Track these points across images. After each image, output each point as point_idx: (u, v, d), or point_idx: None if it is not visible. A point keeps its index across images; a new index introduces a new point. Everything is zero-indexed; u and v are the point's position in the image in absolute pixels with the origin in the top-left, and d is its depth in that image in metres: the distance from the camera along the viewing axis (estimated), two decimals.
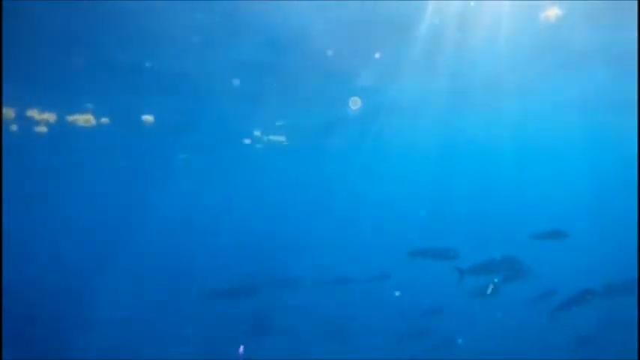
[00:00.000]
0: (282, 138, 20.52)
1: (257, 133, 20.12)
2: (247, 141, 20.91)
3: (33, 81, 13.80)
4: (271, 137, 20.38)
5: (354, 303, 19.14)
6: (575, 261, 20.45)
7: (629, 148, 27.58)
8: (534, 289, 14.14)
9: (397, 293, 19.69)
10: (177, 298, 21.02)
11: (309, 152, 25.58)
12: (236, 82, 14.24)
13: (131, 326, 18.09)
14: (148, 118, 16.64)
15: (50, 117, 16.50)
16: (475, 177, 37.58)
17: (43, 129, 17.30)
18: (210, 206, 40.78)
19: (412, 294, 19.52)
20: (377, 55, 13.16)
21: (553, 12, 11.39)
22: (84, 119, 16.74)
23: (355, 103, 17.44)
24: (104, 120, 17.02)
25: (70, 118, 16.56)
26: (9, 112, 15.66)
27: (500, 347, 16.20)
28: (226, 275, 20.03)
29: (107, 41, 11.49)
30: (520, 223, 26.68)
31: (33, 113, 16.19)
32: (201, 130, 19.61)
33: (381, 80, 15.10)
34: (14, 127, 17.04)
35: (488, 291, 15.63)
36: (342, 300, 19.01)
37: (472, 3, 10.77)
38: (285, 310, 17.54)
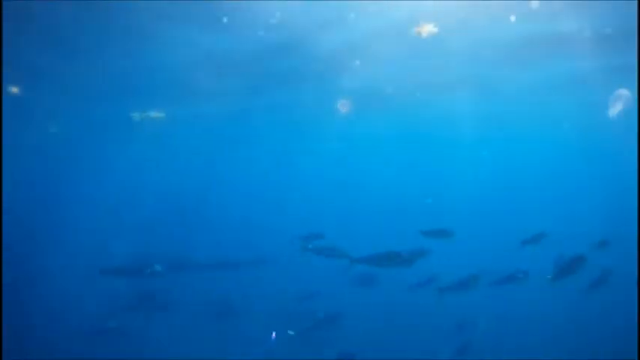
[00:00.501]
0: (161, 115, 21.09)
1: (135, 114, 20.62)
2: (133, 116, 21.22)
3: None
4: (151, 114, 20.88)
5: (243, 284, 19.70)
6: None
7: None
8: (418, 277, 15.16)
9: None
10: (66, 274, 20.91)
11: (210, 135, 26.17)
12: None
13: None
14: (14, 89, 16.49)
15: None
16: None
17: None
18: (104, 185, 39.54)
19: (298, 279, 20.62)
20: None
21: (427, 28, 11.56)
22: None
23: (343, 105, 18.41)
24: None
25: None
26: None
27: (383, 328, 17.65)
28: (122, 254, 19.88)
29: None
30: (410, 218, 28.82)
31: None
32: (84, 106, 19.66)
33: None
34: None
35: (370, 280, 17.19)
36: (233, 281, 19.57)
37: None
38: (174, 289, 17.74)
